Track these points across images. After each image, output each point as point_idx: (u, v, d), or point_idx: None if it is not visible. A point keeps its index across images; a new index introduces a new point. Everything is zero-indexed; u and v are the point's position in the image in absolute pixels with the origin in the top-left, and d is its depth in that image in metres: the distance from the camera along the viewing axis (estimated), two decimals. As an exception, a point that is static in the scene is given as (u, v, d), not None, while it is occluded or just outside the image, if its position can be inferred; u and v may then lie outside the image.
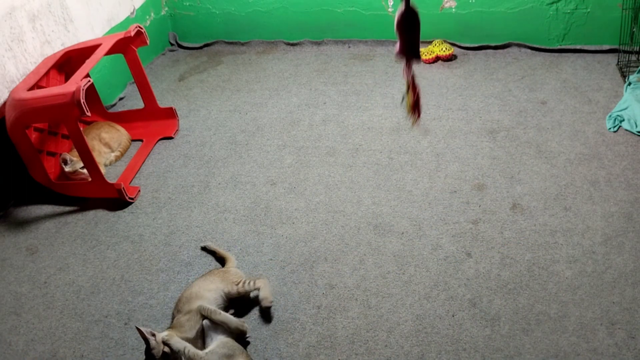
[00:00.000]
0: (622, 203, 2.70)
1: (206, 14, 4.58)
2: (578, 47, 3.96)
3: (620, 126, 3.19)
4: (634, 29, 3.63)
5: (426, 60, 4.06)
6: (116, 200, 3.07)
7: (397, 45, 2.04)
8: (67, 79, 3.34)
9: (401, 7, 1.95)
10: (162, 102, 3.82)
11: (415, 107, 2.16)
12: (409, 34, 1.99)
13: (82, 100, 2.71)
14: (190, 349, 2.08)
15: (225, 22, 4.57)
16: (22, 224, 3.04)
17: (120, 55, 3.48)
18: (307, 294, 2.44)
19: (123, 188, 3.01)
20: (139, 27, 3.38)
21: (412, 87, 2.12)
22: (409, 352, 2.16)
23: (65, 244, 2.87)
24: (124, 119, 3.69)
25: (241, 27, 4.56)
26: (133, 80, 4.04)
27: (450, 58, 4.08)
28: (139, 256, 2.74)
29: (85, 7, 3.76)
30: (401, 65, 2.10)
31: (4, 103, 3.06)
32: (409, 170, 3.07)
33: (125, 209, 3.04)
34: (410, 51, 2.03)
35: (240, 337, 2.23)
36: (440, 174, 3.02)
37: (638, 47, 3.67)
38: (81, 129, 2.91)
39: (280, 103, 3.81)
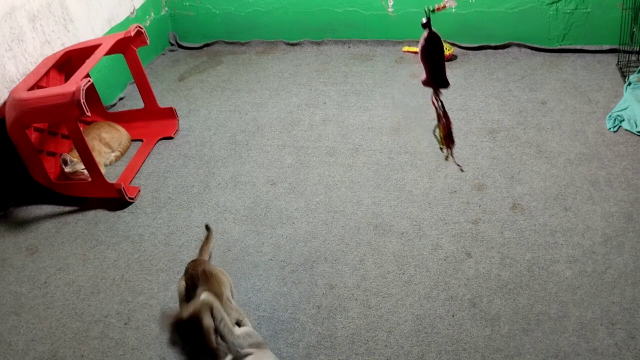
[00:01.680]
0: (622, 203, 2.70)
1: (206, 14, 4.57)
2: (578, 47, 3.96)
3: (620, 126, 3.19)
4: (634, 29, 3.63)
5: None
6: (116, 200, 3.07)
7: (423, 74, 1.97)
8: (67, 79, 3.34)
9: (424, 34, 1.89)
10: (162, 102, 3.82)
11: (447, 138, 2.07)
12: (434, 62, 1.93)
13: (82, 100, 2.71)
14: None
15: (225, 22, 4.57)
16: (22, 224, 3.04)
17: (120, 55, 3.48)
18: (307, 294, 2.44)
19: (123, 188, 3.01)
20: (139, 27, 3.38)
21: (443, 116, 2.04)
22: (409, 352, 2.16)
23: (65, 244, 2.87)
24: (124, 119, 3.69)
25: (241, 27, 4.56)
26: (133, 80, 4.04)
27: (450, 58, 4.07)
28: (139, 256, 2.74)
29: (85, 7, 3.76)
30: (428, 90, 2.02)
31: (4, 103, 3.06)
32: (409, 170, 3.07)
33: (125, 209, 3.04)
34: (436, 80, 1.96)
35: None
36: (440, 174, 3.02)
37: (638, 47, 3.67)
38: (81, 129, 2.91)
39: (280, 103, 3.81)
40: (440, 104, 2.01)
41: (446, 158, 2.12)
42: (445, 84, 1.98)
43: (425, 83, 1.98)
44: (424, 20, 1.89)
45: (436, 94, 2.00)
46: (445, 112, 2.04)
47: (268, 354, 2.01)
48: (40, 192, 3.19)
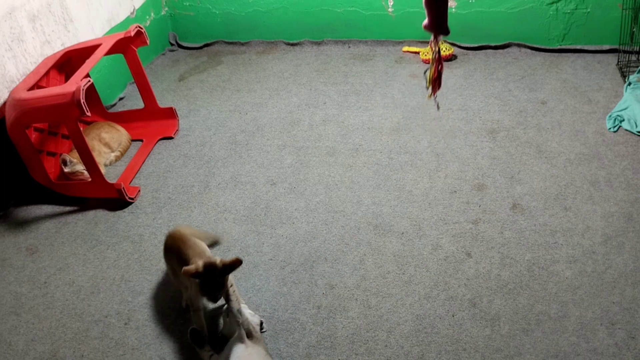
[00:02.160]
0: (622, 203, 2.70)
1: (206, 14, 4.58)
2: (578, 47, 3.96)
3: (620, 126, 3.19)
4: (634, 29, 3.64)
5: (426, 60, 4.06)
6: (116, 200, 3.07)
7: (426, 19, 2.09)
8: (67, 79, 3.34)
9: None
10: (162, 102, 3.82)
11: (436, 81, 2.24)
12: (437, 9, 2.05)
13: (82, 100, 2.71)
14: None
15: (225, 22, 4.57)
16: (22, 224, 3.04)
17: (120, 55, 3.48)
18: (307, 294, 2.44)
19: (123, 188, 3.01)
20: (139, 27, 3.38)
21: (437, 60, 2.19)
22: (409, 352, 2.16)
23: (65, 244, 2.86)
24: (124, 119, 3.69)
25: (241, 27, 4.56)
26: (133, 80, 4.04)
27: (450, 58, 4.08)
28: (139, 256, 2.74)
29: (85, 7, 3.76)
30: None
31: (4, 103, 3.06)
32: (409, 170, 3.07)
33: (125, 209, 3.04)
34: (437, 26, 2.09)
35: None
36: (440, 174, 3.02)
37: (638, 47, 3.67)
38: (81, 129, 2.91)
39: (280, 103, 3.81)
40: (437, 48, 2.16)
41: (429, 96, 2.28)
42: (446, 31, 2.11)
43: (427, 28, 2.11)
44: None
45: (436, 39, 2.14)
46: (440, 57, 2.20)
47: (258, 350, 2.03)
48: (40, 192, 3.19)
